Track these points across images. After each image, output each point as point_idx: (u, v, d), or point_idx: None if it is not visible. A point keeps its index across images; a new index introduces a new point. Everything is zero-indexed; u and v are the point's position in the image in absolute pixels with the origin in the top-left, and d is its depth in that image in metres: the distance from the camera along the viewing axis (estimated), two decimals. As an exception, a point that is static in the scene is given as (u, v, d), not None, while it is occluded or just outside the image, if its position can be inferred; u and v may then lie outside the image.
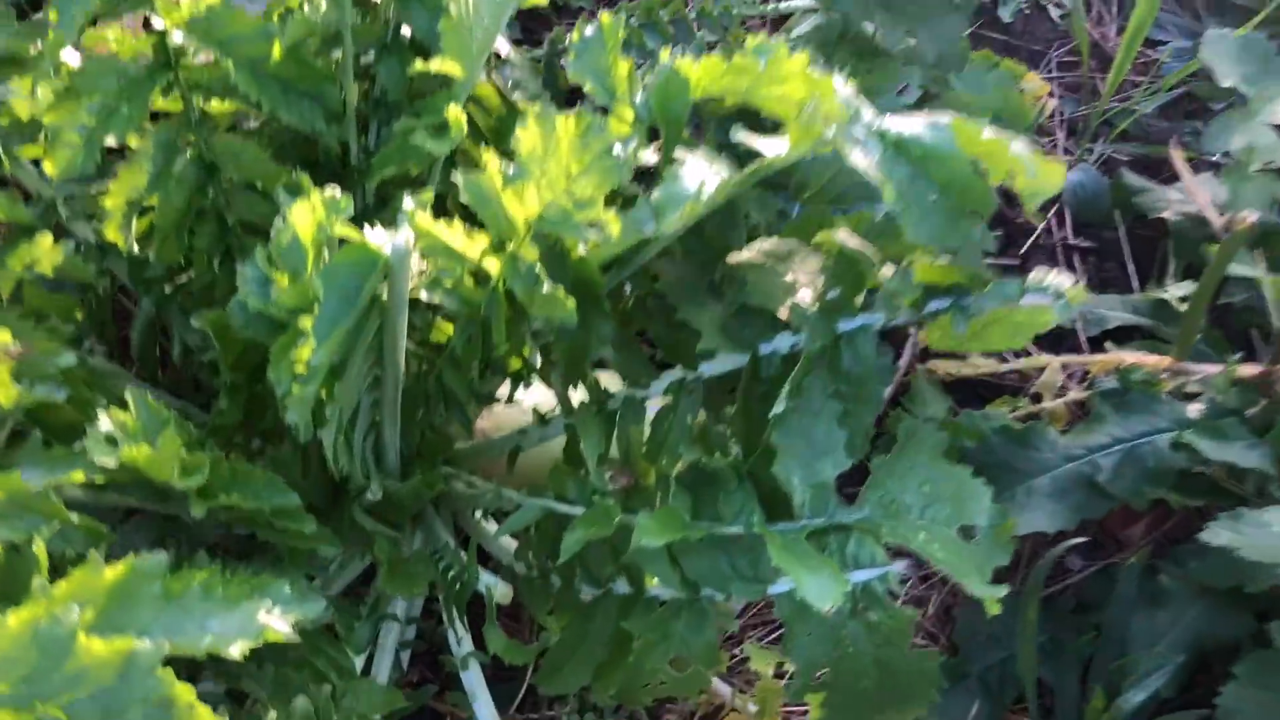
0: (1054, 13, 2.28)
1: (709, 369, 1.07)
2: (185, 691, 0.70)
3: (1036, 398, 1.65)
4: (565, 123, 0.89)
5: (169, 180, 1.12)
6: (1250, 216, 1.36)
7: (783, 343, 1.04)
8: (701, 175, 0.90)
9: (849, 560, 0.96)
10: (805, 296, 1.03)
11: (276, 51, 1.12)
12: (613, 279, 1.05)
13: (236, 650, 0.78)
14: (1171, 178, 1.96)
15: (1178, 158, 1.65)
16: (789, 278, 1.06)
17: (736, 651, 1.45)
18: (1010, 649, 1.48)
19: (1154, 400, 1.50)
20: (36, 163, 1.19)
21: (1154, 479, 1.44)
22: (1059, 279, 0.94)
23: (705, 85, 1.02)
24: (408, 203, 0.90)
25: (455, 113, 1.03)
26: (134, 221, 1.13)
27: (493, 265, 0.98)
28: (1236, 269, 1.62)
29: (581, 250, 0.97)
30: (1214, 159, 1.87)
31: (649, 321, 1.10)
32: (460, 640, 1.23)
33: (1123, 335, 1.75)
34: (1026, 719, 1.48)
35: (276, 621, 0.83)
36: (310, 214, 0.90)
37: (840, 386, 0.99)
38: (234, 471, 0.98)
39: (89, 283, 1.14)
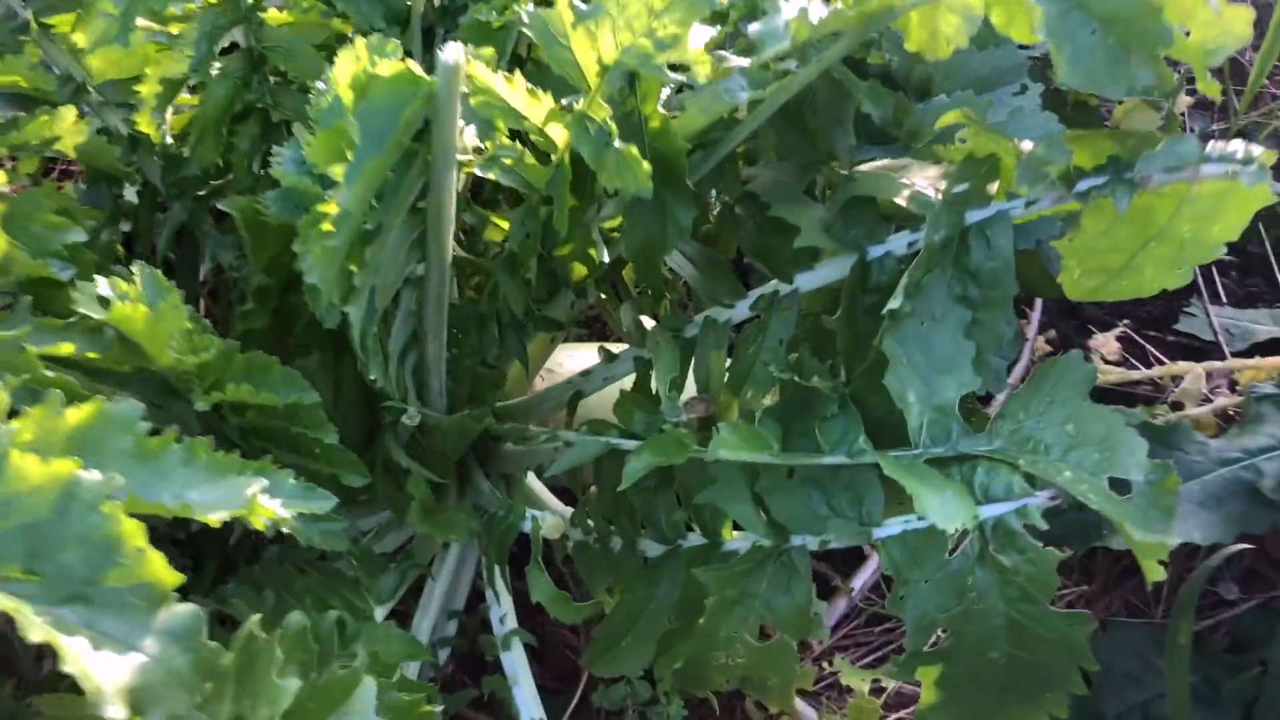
0: (1181, 30, 2.12)
1: (806, 281, 0.91)
2: (134, 531, 0.55)
3: (1177, 406, 1.44)
4: (649, -52, 0.77)
5: (211, 70, 1.01)
6: None
7: (898, 243, 0.87)
8: (821, 11, 0.76)
9: (977, 492, 0.78)
10: (928, 192, 0.86)
11: (336, -64, 1.02)
12: (698, 166, 0.90)
13: (216, 517, 0.63)
14: (1322, 190, 1.77)
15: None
16: (905, 180, 0.90)
17: (825, 667, 1.25)
18: (1153, 689, 1.24)
19: (1325, 400, 1.28)
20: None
21: (1329, 487, 1.22)
22: (1245, 144, 0.76)
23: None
24: (458, 47, 0.76)
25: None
26: (168, 113, 1.03)
27: (558, 133, 0.84)
28: None
29: (661, 110, 0.83)
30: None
31: (737, 231, 0.95)
32: (504, 617, 1.05)
33: (1273, 350, 1.54)
34: (1175, 769, 1.23)
35: (270, 501, 0.68)
36: (353, 62, 0.78)
37: (968, 289, 0.82)
38: (248, 362, 0.85)
39: (119, 174, 1.03)
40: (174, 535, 1.15)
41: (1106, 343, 1.58)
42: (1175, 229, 0.84)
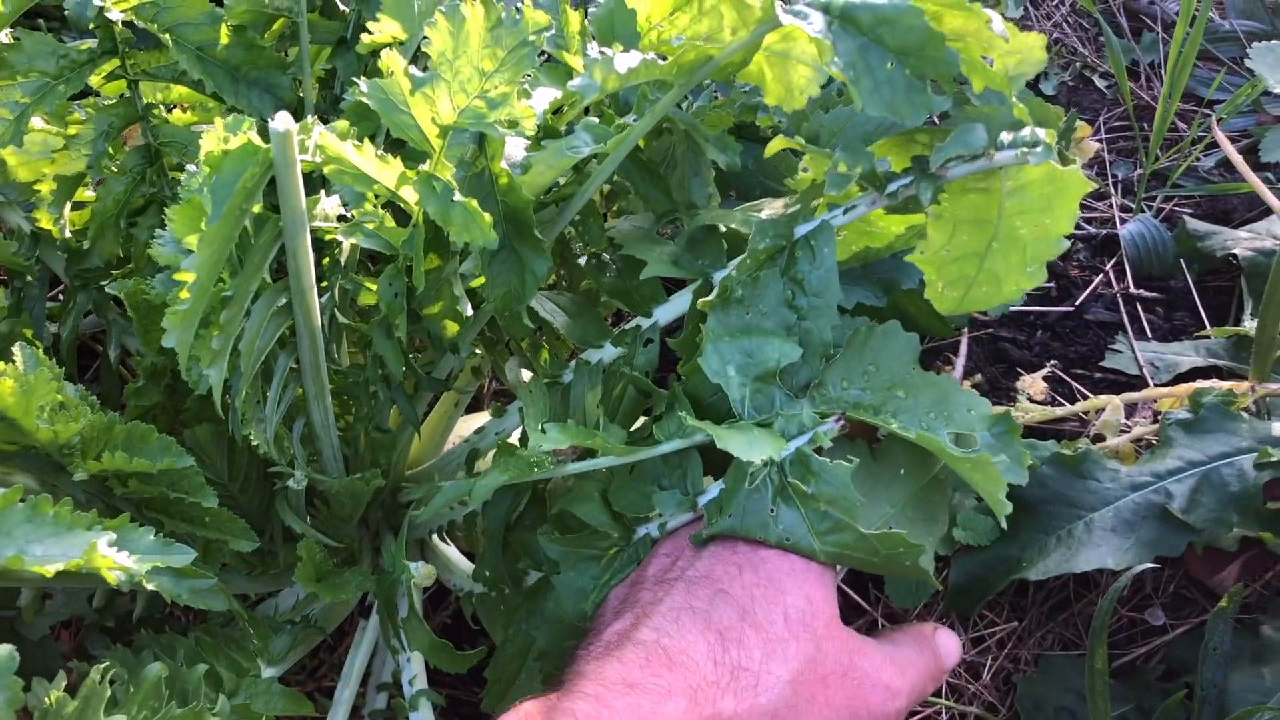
0: (1100, 83, 2.18)
1: (663, 313, 0.94)
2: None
3: (1098, 439, 1.45)
4: (475, 16, 0.82)
5: (109, 166, 1.07)
6: (1314, 195, 1.19)
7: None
8: (629, 61, 0.81)
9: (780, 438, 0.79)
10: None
11: (224, 36, 1.09)
12: (557, 219, 0.94)
13: (52, 569, 0.66)
14: (1241, 224, 1.81)
15: (1225, 144, 1.49)
16: (755, 213, 0.94)
17: None
18: (1085, 720, 1.24)
19: (1231, 419, 1.29)
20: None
21: (1238, 505, 1.22)
22: (1034, 129, 0.78)
23: (655, 14, 0.94)
24: (286, 116, 0.80)
25: (389, 58, 0.96)
26: (67, 209, 1.08)
27: (410, 195, 0.88)
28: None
29: (503, 166, 0.87)
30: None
31: (602, 276, 0.99)
32: (414, 678, 1.06)
33: (1199, 379, 1.56)
34: (1109, 801, 1.22)
35: (115, 553, 0.70)
36: (213, 141, 0.83)
37: (796, 296, 0.84)
38: (128, 432, 0.88)
39: (20, 268, 1.08)
40: (102, 623, 1.17)
41: (1034, 383, 1.60)
42: (1010, 227, 0.86)
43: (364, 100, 0.96)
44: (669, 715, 0.64)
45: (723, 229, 0.97)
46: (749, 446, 0.70)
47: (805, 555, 0.74)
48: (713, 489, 0.79)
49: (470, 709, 1.33)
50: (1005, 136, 0.76)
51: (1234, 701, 1.17)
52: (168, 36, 1.07)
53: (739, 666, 0.68)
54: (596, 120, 0.91)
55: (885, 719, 0.72)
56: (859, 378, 0.80)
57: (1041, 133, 0.75)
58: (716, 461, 0.83)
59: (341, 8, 1.17)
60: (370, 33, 1.09)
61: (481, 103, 0.83)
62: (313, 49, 1.17)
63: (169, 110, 1.18)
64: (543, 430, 0.77)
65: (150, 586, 0.77)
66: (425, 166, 0.86)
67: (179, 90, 1.20)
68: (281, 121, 0.76)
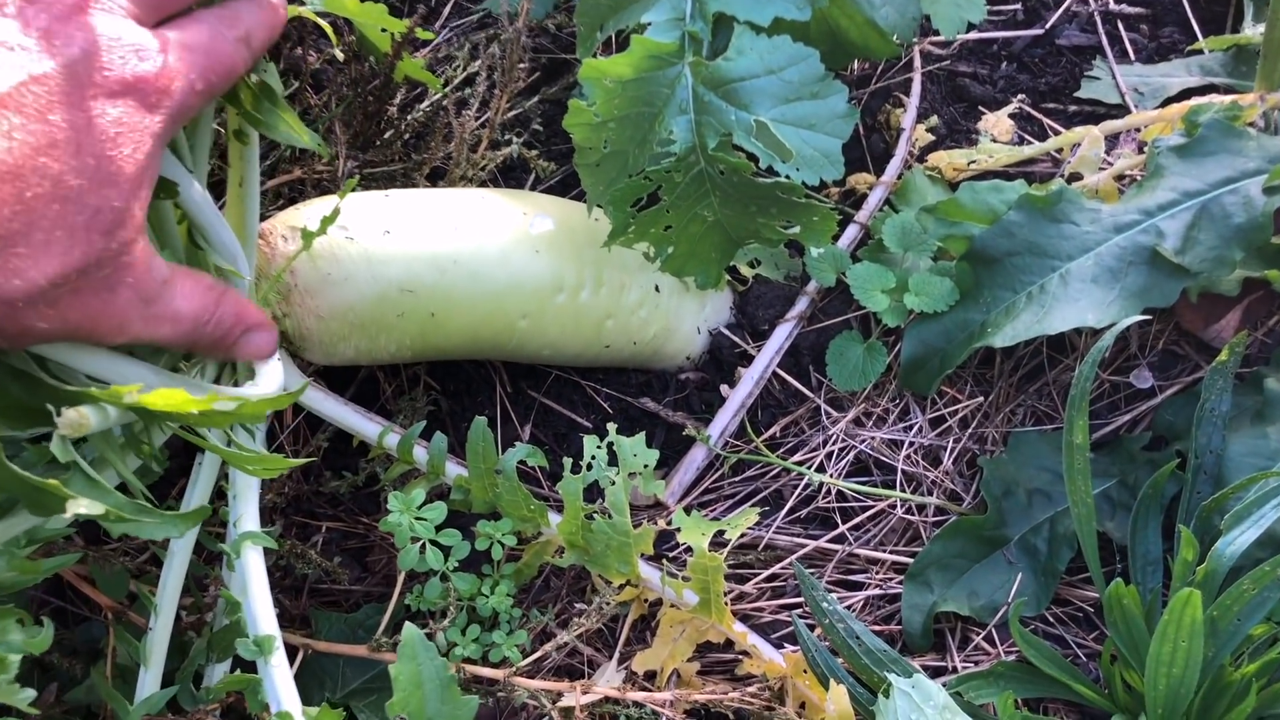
0: None
1: None
2: None
3: (1074, 178, 1.23)
4: None
5: None
6: None
7: None
8: None
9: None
10: None
11: None
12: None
13: None
14: (1239, -82, 1.52)
15: None
16: None
17: (667, 525, 1.07)
18: (1063, 502, 1.06)
19: (1235, 137, 1.07)
20: None
21: (1243, 239, 1.01)
22: None
23: None
24: None
25: None
26: None
27: None
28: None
29: None
30: None
31: None
32: (239, 521, 0.86)
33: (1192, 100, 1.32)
34: (1091, 590, 1.06)
35: None
36: None
37: None
38: None
39: None
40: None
41: (998, 122, 1.36)
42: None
43: None
44: None
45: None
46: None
47: None
48: None
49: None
50: None
51: (1233, 468, 1.00)
52: None
53: None
54: None
55: None
56: None
57: None
58: None
59: None
60: None
61: None
62: None
63: None
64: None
65: None
66: None
67: None
68: None
